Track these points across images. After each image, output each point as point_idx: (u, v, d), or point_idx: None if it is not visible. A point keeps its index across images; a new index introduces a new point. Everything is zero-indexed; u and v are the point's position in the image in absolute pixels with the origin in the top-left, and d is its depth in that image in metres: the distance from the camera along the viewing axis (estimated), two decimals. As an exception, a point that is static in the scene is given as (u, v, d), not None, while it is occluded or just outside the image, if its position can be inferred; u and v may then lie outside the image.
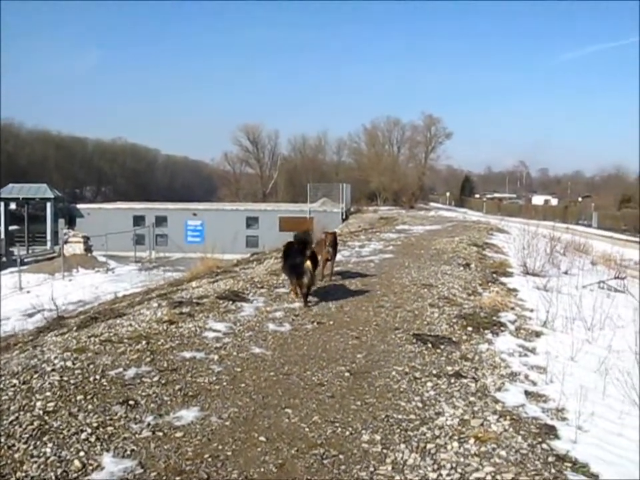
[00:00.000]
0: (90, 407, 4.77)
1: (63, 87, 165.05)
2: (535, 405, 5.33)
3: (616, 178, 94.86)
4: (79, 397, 4.93)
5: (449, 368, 6.08)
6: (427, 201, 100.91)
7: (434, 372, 5.93)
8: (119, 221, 48.83)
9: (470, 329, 7.64)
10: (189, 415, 4.69)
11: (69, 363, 5.75)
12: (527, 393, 5.60)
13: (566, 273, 13.99)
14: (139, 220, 51.22)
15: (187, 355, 6.18)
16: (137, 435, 4.32)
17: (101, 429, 4.38)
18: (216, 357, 6.14)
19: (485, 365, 6.32)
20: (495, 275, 12.29)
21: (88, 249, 41.65)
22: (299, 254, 8.71)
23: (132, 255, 44.63)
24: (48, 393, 4.98)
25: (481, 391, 5.49)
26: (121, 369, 5.66)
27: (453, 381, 5.70)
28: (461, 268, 12.78)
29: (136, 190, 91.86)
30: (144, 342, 6.53)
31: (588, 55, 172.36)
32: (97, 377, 5.43)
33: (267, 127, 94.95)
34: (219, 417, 4.67)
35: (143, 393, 5.10)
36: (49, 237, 49.29)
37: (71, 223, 50.34)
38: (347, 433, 4.49)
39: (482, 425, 4.73)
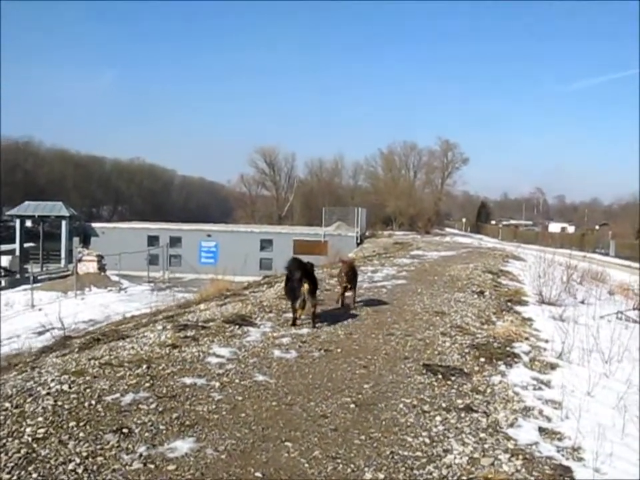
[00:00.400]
0: (82, 434, 4.56)
1: (81, 105, 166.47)
2: (550, 443, 5.06)
3: (634, 206, 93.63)
4: (71, 424, 4.73)
5: (459, 401, 5.82)
6: (443, 227, 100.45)
7: (443, 405, 5.67)
8: (133, 240, 48.85)
9: (482, 359, 7.39)
10: (183, 446, 4.46)
11: (65, 387, 5.56)
12: (540, 429, 5.34)
13: (583, 302, 13.67)
14: (153, 240, 51.22)
15: (188, 381, 5.97)
16: (127, 467, 4.10)
17: (90, 459, 4.16)
18: (217, 384, 5.91)
19: (497, 398, 6.06)
20: (509, 304, 12.02)
21: (102, 268, 41.44)
22: (297, 278, 8.68)
23: (145, 274, 44.48)
24: (40, 419, 4.78)
25: (493, 427, 5.24)
26: (118, 394, 5.46)
27: (463, 415, 5.45)
28: (475, 296, 12.52)
29: (152, 210, 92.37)
30: (144, 366, 6.33)
31: (605, 82, 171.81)
32: (93, 402, 5.23)
33: (283, 149, 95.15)
34: (215, 449, 4.44)
35: (138, 421, 4.88)
36: (63, 254, 49.31)
37: (85, 242, 50.39)
38: (349, 470, 4.25)
39: (492, 464, 4.47)
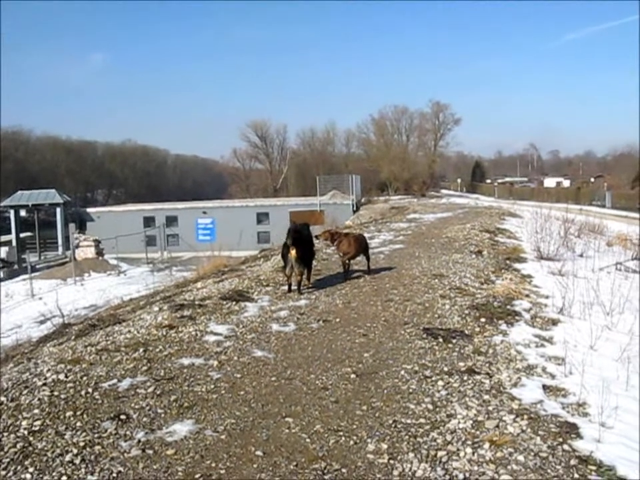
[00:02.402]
0: (79, 424, 4.48)
1: (71, 92, 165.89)
2: (554, 400, 5.00)
3: (628, 157, 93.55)
4: (68, 414, 4.64)
5: (462, 364, 5.75)
6: (438, 189, 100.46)
7: (445, 369, 5.59)
8: (129, 222, 48.79)
9: (483, 320, 7.31)
10: (182, 429, 4.38)
11: (61, 376, 5.47)
12: (544, 387, 5.27)
13: (581, 255, 13.63)
14: (149, 221, 51.14)
15: (185, 361, 5.88)
16: (125, 454, 4.02)
17: (87, 449, 4.08)
18: (215, 363, 5.83)
19: (500, 358, 5.98)
20: (508, 262, 11.93)
21: (99, 253, 41.37)
22: (288, 244, 8.78)
23: (143, 256, 44.45)
24: (36, 411, 4.70)
25: (496, 388, 5.16)
26: (115, 380, 5.37)
27: (465, 378, 5.37)
28: (473, 256, 12.44)
29: (147, 191, 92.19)
30: (141, 349, 6.25)
31: (594, 34, 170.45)
32: (90, 389, 5.15)
33: (274, 121, 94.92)
34: (214, 430, 4.36)
35: (136, 406, 4.80)
36: (60, 242, 49.16)
37: (81, 227, 50.17)
38: (351, 442, 4.17)
39: (497, 426, 4.40)
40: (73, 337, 7.41)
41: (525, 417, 4.57)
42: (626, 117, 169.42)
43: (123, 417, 4.59)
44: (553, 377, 5.55)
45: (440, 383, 5.25)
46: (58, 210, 50.04)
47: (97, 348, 6.39)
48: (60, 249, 48.79)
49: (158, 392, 5.09)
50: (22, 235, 50.27)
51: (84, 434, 4.30)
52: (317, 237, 9.85)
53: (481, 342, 6.48)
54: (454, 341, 6.47)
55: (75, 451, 4.06)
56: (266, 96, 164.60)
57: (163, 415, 4.63)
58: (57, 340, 7.85)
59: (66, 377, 5.47)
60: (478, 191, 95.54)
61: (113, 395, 5.03)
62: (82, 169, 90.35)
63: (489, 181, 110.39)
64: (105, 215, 52.91)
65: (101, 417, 4.59)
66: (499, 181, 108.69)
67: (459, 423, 4.45)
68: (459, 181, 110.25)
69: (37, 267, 41.15)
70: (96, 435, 4.28)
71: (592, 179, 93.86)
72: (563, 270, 10.73)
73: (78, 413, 4.67)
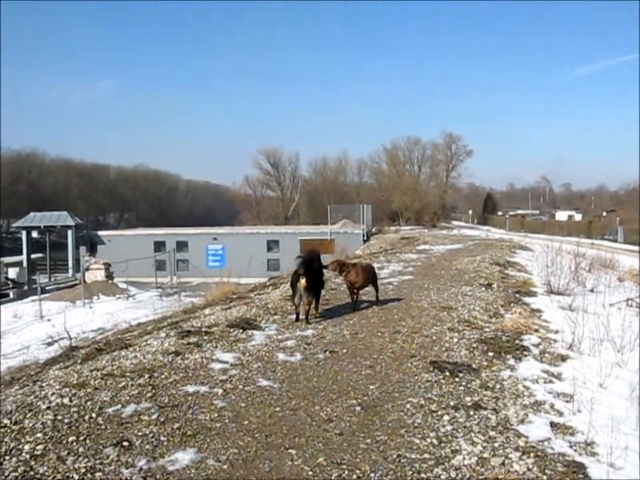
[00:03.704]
0: (81, 449, 4.45)
1: (83, 115, 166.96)
2: (562, 438, 4.93)
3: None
4: (70, 438, 4.63)
5: (468, 398, 5.69)
6: (449, 220, 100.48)
7: (451, 404, 5.54)
8: (139, 247, 48.92)
9: (491, 354, 7.25)
10: (184, 457, 4.35)
11: (65, 400, 5.46)
12: (552, 424, 5.20)
13: (592, 290, 13.52)
14: (159, 245, 51.27)
15: (190, 389, 5.86)
16: (126, 482, 4.00)
17: (88, 475, 4.06)
18: (220, 391, 5.80)
19: (507, 393, 5.92)
20: (517, 295, 11.86)
21: (109, 276, 41.43)
22: (298, 272, 8.75)
23: (153, 280, 44.50)
24: (39, 434, 4.68)
25: (502, 424, 5.10)
26: (119, 406, 5.35)
27: (471, 413, 5.31)
28: (483, 288, 12.37)
29: (158, 215, 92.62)
30: (147, 375, 6.23)
31: (606, 68, 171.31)
32: (93, 415, 5.13)
33: (287, 149, 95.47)
34: (217, 459, 4.32)
35: (139, 433, 4.77)
36: (70, 264, 49.30)
37: (92, 250, 50.35)
38: (354, 476, 4.12)
39: (503, 464, 4.34)
40: (79, 361, 7.39)
41: (532, 454, 4.51)
42: (638, 150, 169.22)
43: (125, 443, 4.57)
44: (560, 414, 5.48)
45: (446, 417, 5.19)
46: (69, 232, 50.29)
47: (103, 372, 6.38)
48: (70, 271, 48.92)
49: (162, 419, 5.06)
50: (33, 256, 50.47)
51: (85, 460, 4.28)
52: (325, 267, 9.81)
53: (488, 376, 6.42)
54: (461, 374, 6.41)
55: (76, 477, 4.03)
56: (279, 123, 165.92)
57: (165, 443, 4.60)
58: (63, 363, 7.84)
59: (70, 401, 5.46)
60: (489, 223, 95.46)
61: (117, 421, 5.01)
62: (94, 192, 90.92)
63: (500, 213, 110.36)
64: (116, 239, 53.09)
65: (103, 443, 4.57)
66: (511, 213, 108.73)
67: (464, 459, 4.39)
68: (470, 212, 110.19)
69: (47, 288, 41.24)
70: (98, 461, 4.26)
71: (604, 213, 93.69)
72: (573, 305, 10.64)
73: (81, 438, 4.65)
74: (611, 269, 19.37)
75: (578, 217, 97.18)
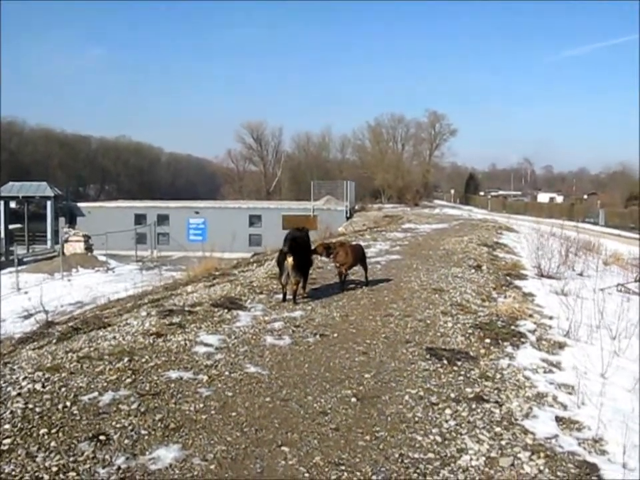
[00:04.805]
0: (53, 443, 4.06)
1: (67, 85, 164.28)
2: (569, 435, 4.64)
3: (622, 175, 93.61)
4: (42, 431, 4.23)
5: (469, 390, 5.37)
6: (432, 199, 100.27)
7: (452, 396, 5.21)
8: (120, 219, 48.15)
9: (488, 340, 6.96)
10: (167, 455, 3.96)
11: (37, 386, 5.07)
12: (557, 419, 4.91)
13: (581, 274, 13.32)
14: (140, 218, 50.51)
15: (173, 375, 5.47)
16: (102, 484, 3.61)
17: (60, 476, 3.66)
18: (205, 378, 5.42)
19: (508, 384, 5.62)
20: (508, 278, 11.61)
21: (89, 248, 40.83)
22: (284, 251, 8.47)
23: (133, 254, 43.94)
24: (7, 426, 4.28)
25: (507, 419, 4.79)
26: (96, 393, 4.96)
27: (474, 406, 4.99)
28: (473, 270, 12.10)
29: (139, 188, 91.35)
30: (126, 359, 5.83)
31: (592, 52, 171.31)
32: (68, 403, 4.73)
33: (270, 124, 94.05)
34: (203, 458, 3.94)
35: (118, 425, 4.38)
36: (49, 235, 48.62)
37: (71, 222, 49.62)
38: (355, 479, 3.77)
39: (512, 465, 4.03)
40: (54, 341, 6.97)
41: (542, 454, 4.21)
42: (620, 135, 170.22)
43: (102, 437, 4.18)
44: (565, 407, 5.19)
45: (447, 411, 4.86)
46: (48, 203, 49.52)
47: (79, 355, 5.99)
48: (49, 242, 48.26)
49: (142, 409, 4.68)
50: (11, 227, 49.63)
51: (58, 457, 3.88)
52: (315, 250, 9.45)
53: (487, 365, 6.12)
54: (459, 363, 6.10)
55: (47, 477, 3.64)
56: (262, 98, 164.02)
57: (146, 437, 4.21)
58: (37, 342, 7.43)
59: (43, 387, 5.07)
60: (471, 202, 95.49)
61: (93, 411, 4.62)
62: (75, 163, 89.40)
63: (482, 193, 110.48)
64: (96, 211, 52.25)
65: (78, 437, 4.18)
66: (493, 193, 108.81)
67: (471, 459, 4.07)
68: (452, 191, 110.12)
69: (25, 260, 40.59)
70: (71, 459, 3.87)
71: (585, 196, 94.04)
72: (565, 289, 10.39)
73: (53, 430, 4.26)
74: (596, 253, 19.21)
75: (559, 199, 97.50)
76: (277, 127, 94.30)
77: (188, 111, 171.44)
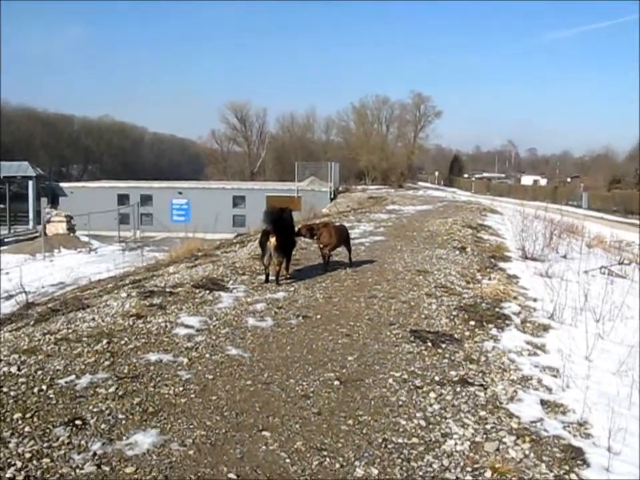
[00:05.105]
0: (27, 428, 3.94)
1: (48, 63, 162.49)
2: (554, 418, 4.58)
3: (605, 158, 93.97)
4: (16, 416, 4.10)
5: (453, 373, 5.31)
6: (416, 180, 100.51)
7: (436, 378, 5.14)
8: (102, 199, 47.74)
9: (472, 323, 6.90)
10: (145, 440, 3.85)
11: (13, 369, 4.94)
12: (542, 402, 4.86)
13: (565, 257, 13.31)
14: (123, 199, 50.12)
15: (153, 357, 5.36)
16: (77, 470, 3.47)
17: (34, 462, 3.54)
18: (185, 361, 5.31)
19: (493, 367, 5.56)
20: (493, 260, 11.56)
21: (71, 229, 40.38)
22: (266, 231, 8.36)
23: (116, 234, 43.61)
24: (-20, 410, 4.16)
25: (492, 403, 4.72)
26: (73, 376, 4.83)
27: (458, 389, 4.92)
28: (457, 252, 12.05)
29: (123, 168, 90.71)
30: (105, 341, 5.71)
31: (575, 35, 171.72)
32: (44, 386, 4.60)
33: (255, 104, 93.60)
34: (182, 443, 3.83)
35: (95, 409, 4.26)
36: (31, 216, 48.10)
37: (53, 202, 49.13)
38: (337, 465, 3.67)
39: (498, 449, 3.96)
40: (32, 322, 6.83)
41: (527, 438, 4.14)
42: (603, 118, 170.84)
43: (78, 422, 4.06)
44: (549, 390, 5.15)
45: (432, 394, 4.78)
46: (30, 183, 48.94)
47: (57, 337, 5.86)
48: (30, 223, 47.73)
49: (120, 392, 4.56)
50: (-9, 207, 49.15)
51: (32, 442, 3.76)
52: (299, 233, 9.34)
53: (472, 348, 6.06)
54: (443, 345, 6.04)
55: (19, 464, 3.51)
56: (246, 78, 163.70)
57: (123, 422, 4.10)
58: (15, 324, 7.28)
59: (19, 369, 4.94)
60: (455, 184, 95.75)
61: (70, 394, 4.50)
62: (57, 143, 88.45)
63: (466, 175, 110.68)
64: (78, 191, 51.71)
65: (53, 421, 4.06)
66: (477, 176, 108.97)
67: (456, 444, 4.00)
68: (436, 173, 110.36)
69: (6, 240, 40.23)
70: (45, 444, 3.74)
71: (569, 179, 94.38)
72: (549, 271, 10.38)
73: (28, 415, 4.13)
74: (580, 236, 19.25)
75: (543, 181, 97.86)
76: (261, 107, 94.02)
77: (171, 90, 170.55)
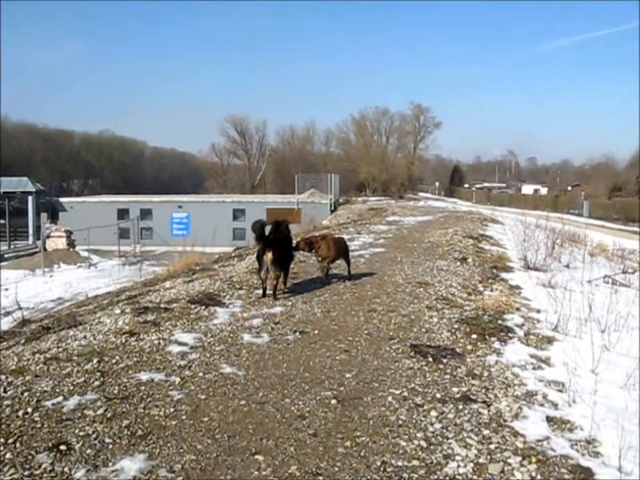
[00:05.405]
0: (8, 455, 3.75)
1: (48, 79, 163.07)
2: (561, 436, 4.39)
3: (605, 166, 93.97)
4: (-2, 441, 3.93)
5: (455, 389, 5.11)
6: (416, 191, 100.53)
7: (438, 396, 4.95)
8: (102, 214, 47.77)
9: (474, 336, 6.71)
10: (132, 466, 3.66)
11: (-1, 391, 4.76)
12: (548, 419, 4.67)
13: (567, 266, 13.13)
14: (123, 213, 50.17)
15: (144, 377, 5.17)
16: (58, 500, 3.31)
17: (13, 492, 3.38)
18: (177, 380, 5.12)
19: (496, 382, 5.37)
20: (494, 270, 11.38)
21: (71, 244, 40.29)
22: (262, 245, 8.22)
23: (116, 249, 43.48)
24: (-39, 436, 3.98)
25: (496, 420, 4.53)
26: (60, 398, 4.65)
27: (461, 407, 4.73)
28: (458, 263, 11.86)
29: (123, 183, 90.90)
30: (95, 360, 5.53)
31: (575, 43, 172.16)
32: (29, 409, 4.42)
33: (254, 117, 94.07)
34: (170, 469, 3.64)
35: (81, 433, 4.08)
36: (30, 231, 48.08)
37: (53, 217, 49.17)
38: (333, 491, 3.50)
39: (502, 471, 3.78)
40: (23, 341, 6.65)
41: (533, 459, 3.96)
42: (603, 127, 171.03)
43: (63, 447, 3.87)
44: (555, 406, 4.96)
45: (433, 413, 4.59)
46: (30, 198, 49.00)
47: (46, 356, 5.68)
48: (30, 238, 47.69)
49: (108, 414, 4.38)
50: (-9, 223, 49.12)
51: (12, 470, 3.57)
52: (297, 247, 9.16)
53: (474, 362, 5.87)
54: (445, 360, 5.85)
55: (-2, 494, 3.35)
56: (246, 91, 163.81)
57: (110, 446, 3.91)
58: (7, 342, 7.10)
59: (5, 391, 4.77)
60: (456, 195, 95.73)
61: (56, 417, 4.32)
62: (58, 158, 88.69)
63: (466, 185, 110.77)
64: (78, 206, 51.74)
65: (37, 447, 3.88)
66: (477, 186, 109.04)
67: (459, 466, 3.81)
68: (436, 184, 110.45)
69: (6, 256, 40.15)
70: (27, 472, 3.56)
71: (569, 188, 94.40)
72: (552, 281, 10.20)
73: (10, 440, 3.95)
74: (582, 244, 19.09)
75: (543, 190, 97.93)
76: (261, 120, 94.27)
77: (172, 104, 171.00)
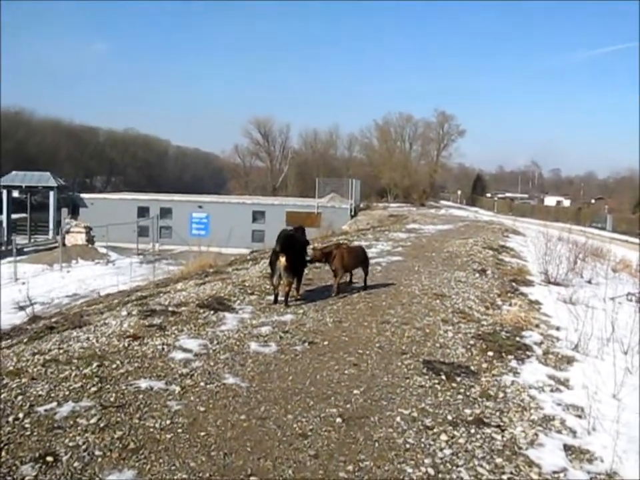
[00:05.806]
0: (-8, 465, 3.57)
1: (75, 76, 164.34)
2: (580, 467, 4.14)
3: (630, 180, 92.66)
4: (-17, 449, 3.74)
5: (468, 411, 4.86)
6: (438, 199, 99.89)
7: (449, 417, 4.69)
8: (123, 211, 47.78)
9: (490, 353, 6.45)
10: (119, 484, 3.47)
11: (-8, 394, 4.57)
12: (566, 448, 4.41)
13: (589, 282, 12.79)
14: (143, 211, 50.19)
15: (143, 384, 4.97)
16: (36, 520, 3.11)
17: (-10, 507, 3.18)
18: (177, 389, 4.91)
19: (512, 405, 5.11)
20: (514, 284, 11.08)
21: (90, 240, 40.27)
22: (276, 250, 8.02)
23: (134, 246, 43.45)
24: (-55, 442, 3.79)
25: (510, 447, 4.28)
26: (54, 404, 4.46)
27: (473, 431, 4.47)
28: (477, 275, 11.58)
29: (146, 181, 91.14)
30: (95, 364, 5.34)
31: (601, 55, 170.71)
32: (21, 415, 4.24)
33: (278, 120, 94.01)
34: (159, 489, 3.45)
35: (71, 443, 3.88)
36: (51, 226, 48.24)
37: (74, 213, 49.32)
38: (331, 522, 3.27)
39: (515, 506, 3.52)
40: (25, 340, 6.49)
41: (548, 493, 3.69)
42: (628, 140, 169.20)
43: (49, 458, 3.68)
44: (574, 433, 4.69)
45: (443, 437, 4.34)
46: (51, 193, 49.19)
47: (46, 357, 5.51)
48: (50, 233, 47.85)
49: (102, 424, 4.18)
50: (14, 217, 49.37)
51: (-7, 482, 3.39)
52: (309, 261, 8.89)
53: (489, 382, 5.61)
54: (458, 379, 5.59)
55: (-27, 509, 3.15)
56: (270, 93, 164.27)
57: (99, 459, 3.70)
58: (11, 340, 6.95)
59: (-2, 394, 4.58)
60: (477, 204, 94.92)
61: (47, 425, 4.12)
62: (82, 154, 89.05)
63: (489, 195, 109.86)
64: (99, 202, 51.88)
65: (23, 457, 3.68)
66: (499, 195, 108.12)
67: (468, 498, 3.56)
68: (458, 192, 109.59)
69: (26, 250, 40.26)
70: (7, 486, 3.37)
71: (593, 201, 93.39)
72: (573, 297, 9.89)
73: (-4, 448, 3.76)
74: (605, 259, 18.70)
75: (566, 203, 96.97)
76: (284, 123, 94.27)
77: (196, 104, 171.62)
